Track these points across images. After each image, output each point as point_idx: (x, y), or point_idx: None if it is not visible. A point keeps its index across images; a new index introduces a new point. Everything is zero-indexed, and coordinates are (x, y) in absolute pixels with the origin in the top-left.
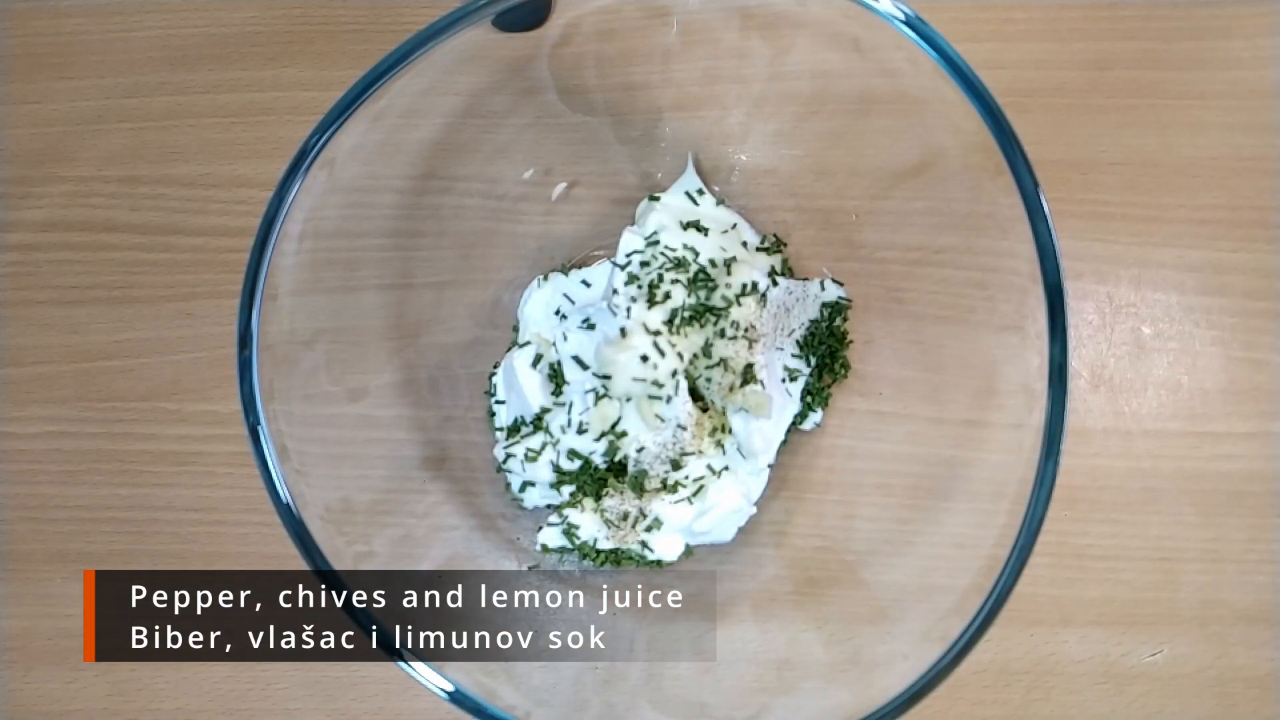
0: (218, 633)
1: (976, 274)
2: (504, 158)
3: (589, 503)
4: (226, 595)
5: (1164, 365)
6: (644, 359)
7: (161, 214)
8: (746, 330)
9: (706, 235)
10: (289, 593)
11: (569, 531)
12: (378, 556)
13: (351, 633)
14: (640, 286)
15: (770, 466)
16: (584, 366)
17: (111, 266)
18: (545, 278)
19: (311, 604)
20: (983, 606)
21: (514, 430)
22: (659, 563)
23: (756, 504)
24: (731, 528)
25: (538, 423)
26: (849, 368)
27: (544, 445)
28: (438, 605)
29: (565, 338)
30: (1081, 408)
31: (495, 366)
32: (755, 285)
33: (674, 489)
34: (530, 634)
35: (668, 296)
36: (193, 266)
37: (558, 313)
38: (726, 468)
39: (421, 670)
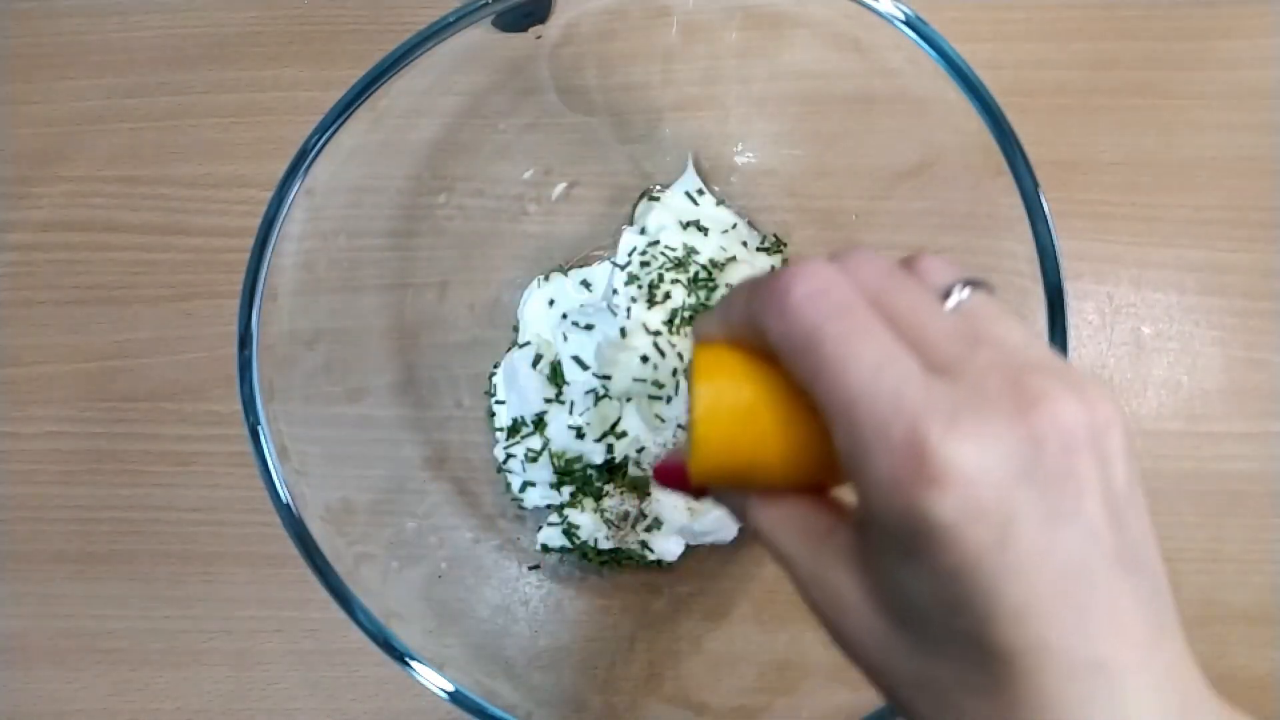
0: (218, 631)
1: (977, 274)
2: (504, 158)
3: (589, 503)
4: (227, 594)
5: (1164, 365)
6: (644, 359)
7: (161, 214)
8: None
9: (706, 235)
10: (289, 592)
11: (569, 531)
12: (378, 556)
13: (351, 633)
14: (640, 286)
15: None
16: (584, 366)
17: (111, 266)
18: (545, 278)
19: (312, 603)
20: None
21: (514, 430)
22: (659, 563)
23: None
24: (732, 528)
25: (538, 423)
26: None
27: (544, 445)
28: (437, 605)
29: (565, 338)
30: None
31: (495, 366)
32: None
33: None
34: (530, 634)
35: (668, 296)
36: (193, 266)
37: (558, 311)
38: None
39: (421, 670)
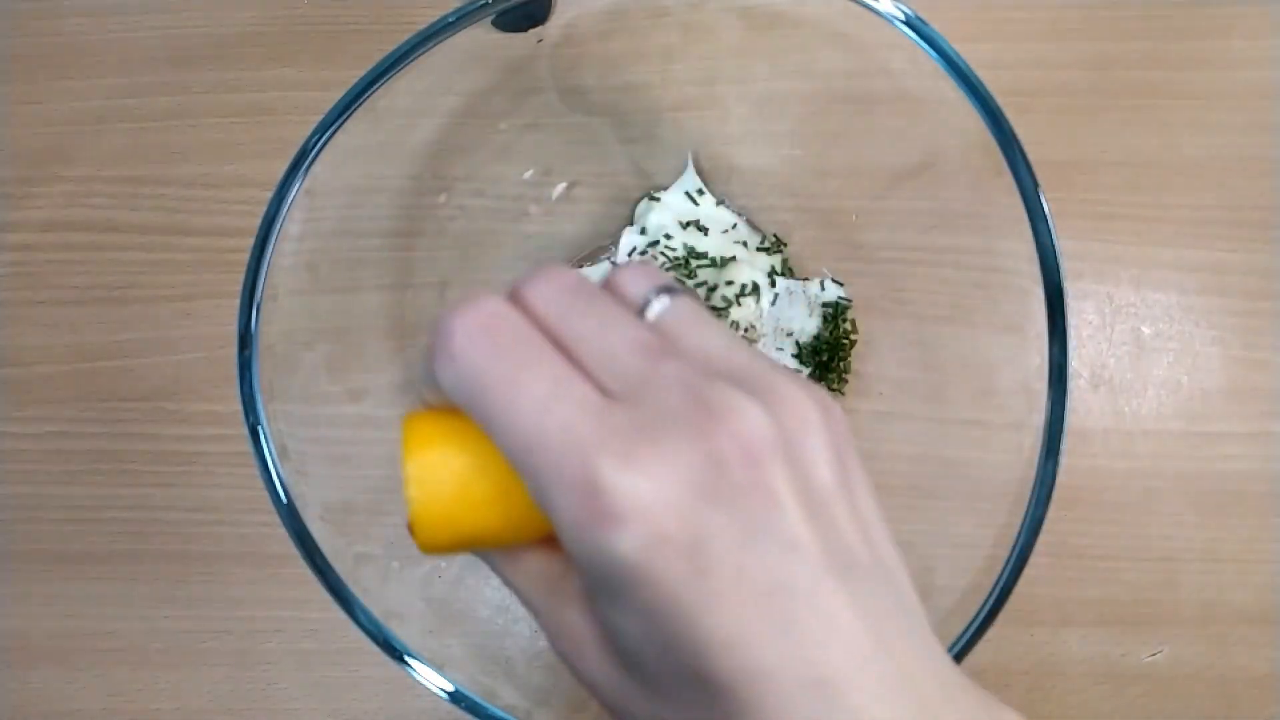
0: (218, 631)
1: (977, 274)
2: (504, 158)
3: None
4: (227, 594)
5: (1164, 365)
6: None
7: (161, 214)
8: (746, 330)
9: (706, 235)
10: (289, 592)
11: None
12: (378, 556)
13: (351, 633)
14: None
15: None
16: None
17: (111, 266)
18: None
19: (312, 603)
20: (983, 606)
21: None
22: None
23: None
24: None
25: None
26: (849, 368)
27: None
28: (437, 605)
29: None
30: (1081, 408)
31: None
32: (755, 285)
33: None
34: (530, 634)
35: None
36: (193, 266)
37: None
38: None
39: (421, 670)
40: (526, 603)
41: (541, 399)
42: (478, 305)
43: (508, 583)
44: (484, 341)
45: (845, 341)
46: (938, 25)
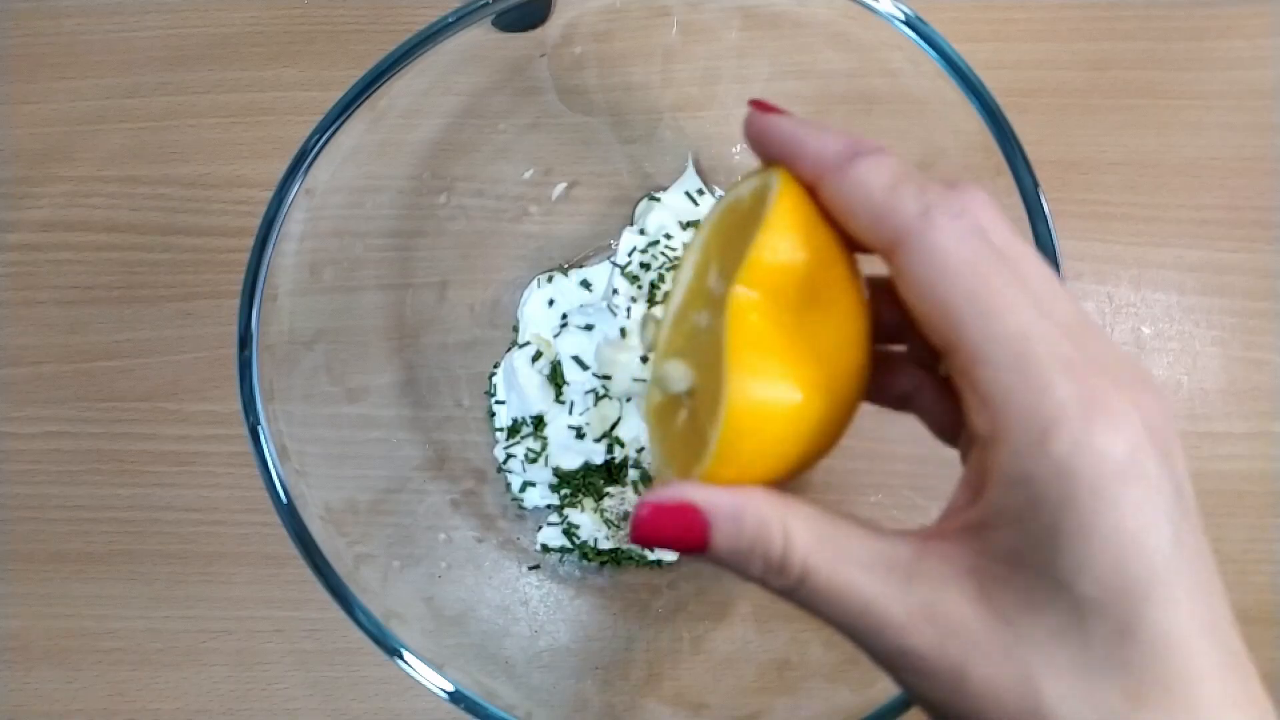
0: (218, 631)
1: None
2: (504, 158)
3: (589, 503)
4: (227, 594)
5: (1164, 365)
6: (644, 359)
7: (161, 214)
8: None
9: None
10: (289, 592)
11: (569, 531)
12: (378, 557)
13: (351, 633)
14: (640, 286)
15: None
16: (584, 366)
17: (111, 266)
18: (547, 278)
19: (312, 603)
20: None
21: (514, 430)
22: (659, 563)
23: None
24: None
25: (538, 424)
26: None
27: (544, 446)
28: (437, 605)
29: (565, 338)
30: None
31: (495, 366)
32: None
33: None
34: (530, 634)
35: (668, 296)
36: (193, 266)
37: (558, 311)
38: None
39: (421, 670)
40: (856, 600)
41: (1035, 302)
42: (985, 203)
43: (822, 584)
44: (990, 236)
45: None
46: (938, 25)
